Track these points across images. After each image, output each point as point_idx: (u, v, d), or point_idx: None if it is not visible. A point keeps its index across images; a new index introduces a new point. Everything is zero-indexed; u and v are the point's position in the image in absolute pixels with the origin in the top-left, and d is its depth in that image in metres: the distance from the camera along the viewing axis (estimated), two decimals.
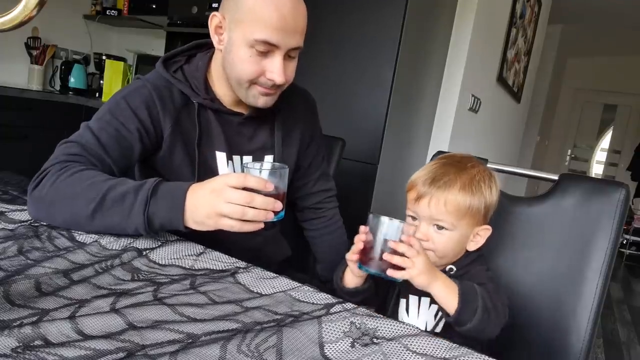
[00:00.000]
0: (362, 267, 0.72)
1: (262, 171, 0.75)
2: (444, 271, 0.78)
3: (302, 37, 0.85)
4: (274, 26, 0.78)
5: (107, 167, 0.81)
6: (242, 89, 0.86)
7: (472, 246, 0.81)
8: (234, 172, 0.95)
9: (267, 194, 0.71)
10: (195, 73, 0.90)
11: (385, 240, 0.70)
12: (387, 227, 0.70)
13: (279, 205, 0.72)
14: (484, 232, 0.80)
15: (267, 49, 0.80)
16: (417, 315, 0.80)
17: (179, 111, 0.88)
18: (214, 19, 0.85)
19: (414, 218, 0.81)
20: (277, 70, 0.82)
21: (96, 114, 0.85)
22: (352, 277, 0.80)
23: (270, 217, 0.71)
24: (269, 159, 0.98)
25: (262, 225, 0.71)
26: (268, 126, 0.97)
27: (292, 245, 1.16)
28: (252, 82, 0.84)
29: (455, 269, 0.79)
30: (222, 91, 0.91)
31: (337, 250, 1.11)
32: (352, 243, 0.75)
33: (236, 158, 0.94)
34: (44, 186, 0.74)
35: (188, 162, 0.89)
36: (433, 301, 0.78)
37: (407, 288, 0.80)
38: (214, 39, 0.86)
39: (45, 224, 0.76)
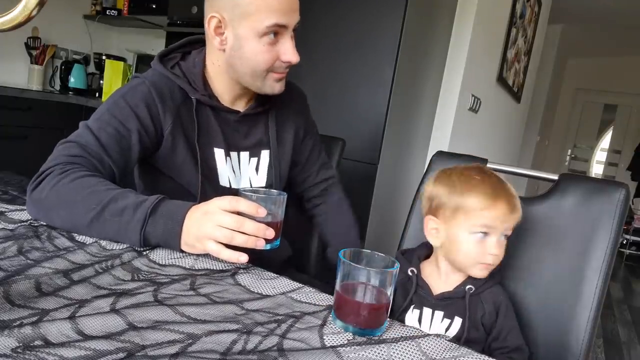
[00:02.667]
0: (338, 321, 0.56)
1: (257, 197, 0.73)
2: (462, 291, 0.79)
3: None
4: (279, 8, 0.81)
5: (107, 168, 0.80)
6: (258, 81, 0.87)
7: None
8: (232, 168, 0.95)
9: (262, 221, 0.69)
10: (193, 69, 0.90)
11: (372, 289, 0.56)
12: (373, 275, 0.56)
13: (270, 233, 0.69)
14: None
15: (277, 30, 0.83)
16: (429, 327, 0.80)
17: (178, 107, 0.88)
18: (212, 21, 0.84)
19: (484, 233, 0.78)
20: (290, 51, 0.85)
21: (95, 113, 0.84)
22: None
23: (261, 244, 0.69)
24: (265, 154, 0.99)
25: (245, 258, 0.67)
26: (263, 123, 0.98)
27: (292, 245, 1.16)
28: (268, 71, 0.86)
29: (474, 288, 0.79)
30: (220, 88, 0.92)
31: (346, 232, 1.11)
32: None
33: (234, 154, 0.95)
34: (43, 189, 0.74)
35: (191, 159, 0.89)
36: (446, 316, 0.79)
37: (421, 301, 0.81)
38: (215, 40, 0.86)
39: (45, 224, 0.76)
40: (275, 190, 0.81)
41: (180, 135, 0.88)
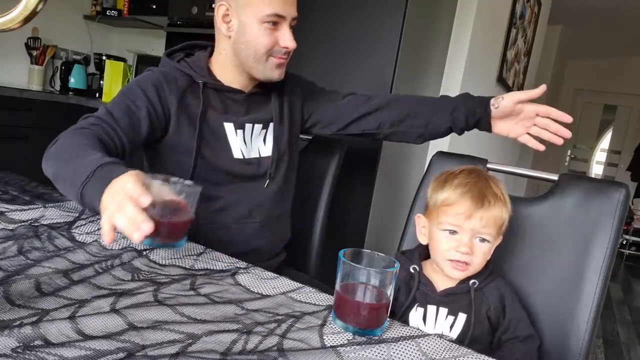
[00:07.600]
0: (338, 321, 0.56)
1: (156, 184, 0.60)
2: (466, 286, 0.80)
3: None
4: (278, 1, 0.91)
5: (118, 136, 0.88)
6: (260, 64, 0.96)
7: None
8: (244, 140, 1.01)
9: (164, 217, 0.58)
10: (198, 62, 1.00)
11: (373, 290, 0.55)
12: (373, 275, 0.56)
13: (146, 227, 0.52)
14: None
15: (276, 20, 0.92)
16: (434, 325, 0.80)
17: (183, 90, 0.97)
18: (220, 9, 0.94)
19: (452, 232, 0.79)
20: (288, 37, 0.94)
21: (112, 98, 0.95)
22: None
23: (137, 238, 0.52)
24: (271, 127, 1.05)
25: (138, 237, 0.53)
26: (266, 102, 1.05)
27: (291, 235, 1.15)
28: (269, 55, 0.95)
29: (477, 282, 0.80)
30: (226, 78, 1.00)
31: (418, 102, 1.09)
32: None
33: (248, 126, 1.01)
34: (53, 144, 0.81)
35: (194, 135, 0.96)
36: (450, 312, 0.79)
37: (425, 298, 0.81)
38: (222, 27, 0.95)
39: (45, 223, 0.76)
40: (188, 182, 0.68)
41: (184, 115, 0.95)
